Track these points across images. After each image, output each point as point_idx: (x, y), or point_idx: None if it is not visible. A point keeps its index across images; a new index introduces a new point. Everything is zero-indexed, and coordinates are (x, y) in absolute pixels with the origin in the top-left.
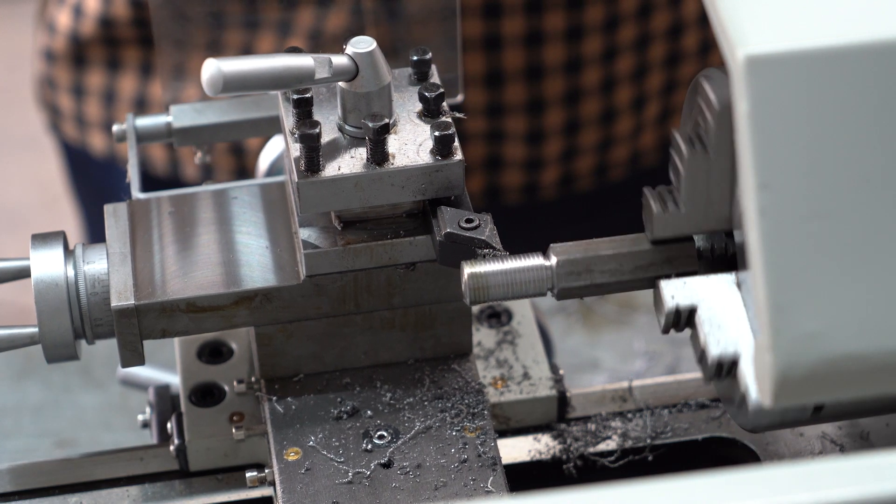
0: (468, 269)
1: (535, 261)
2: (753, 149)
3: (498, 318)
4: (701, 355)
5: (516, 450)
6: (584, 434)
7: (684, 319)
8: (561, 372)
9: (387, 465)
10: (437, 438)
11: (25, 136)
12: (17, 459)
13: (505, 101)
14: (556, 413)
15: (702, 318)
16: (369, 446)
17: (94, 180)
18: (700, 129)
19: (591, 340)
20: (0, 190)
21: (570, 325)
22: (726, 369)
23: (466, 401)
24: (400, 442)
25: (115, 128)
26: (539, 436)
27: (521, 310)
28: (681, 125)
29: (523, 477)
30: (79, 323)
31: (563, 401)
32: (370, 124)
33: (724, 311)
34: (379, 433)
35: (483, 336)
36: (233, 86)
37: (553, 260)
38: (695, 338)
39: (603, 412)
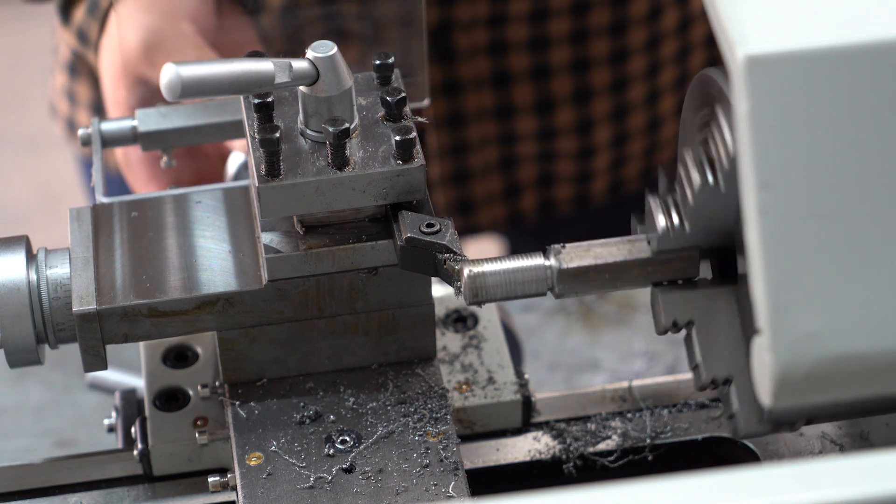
0: (468, 269)
1: (535, 261)
2: (753, 149)
3: (464, 322)
4: (695, 368)
5: (516, 449)
6: (584, 434)
7: (681, 328)
8: (526, 376)
9: (348, 470)
10: (400, 443)
11: (25, 136)
12: (17, 459)
13: (555, 124)
14: (521, 418)
15: (697, 335)
16: (331, 451)
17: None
18: (712, 155)
19: (591, 340)
20: (0, 190)
21: (570, 325)
22: (720, 385)
23: (429, 405)
24: (362, 447)
25: (80, 132)
26: (539, 435)
27: (487, 314)
28: (682, 128)
29: (523, 477)
30: (41, 328)
31: (527, 405)
32: (331, 129)
33: (719, 329)
34: (341, 438)
35: (448, 340)
36: (191, 90)
37: (553, 260)
38: (689, 349)
39: (603, 412)
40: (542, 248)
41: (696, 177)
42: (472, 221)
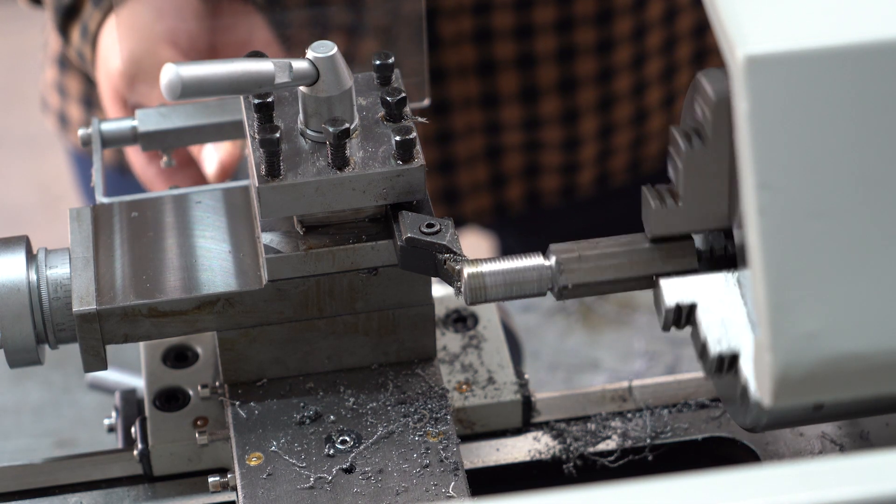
0: (468, 269)
1: (535, 261)
2: (753, 149)
3: (464, 322)
4: (702, 351)
5: (516, 450)
6: (584, 434)
7: (685, 317)
8: (526, 376)
9: (349, 470)
10: (400, 443)
11: (25, 136)
12: (17, 459)
13: (541, 113)
14: (521, 418)
15: (701, 314)
16: (331, 451)
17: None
18: (698, 124)
19: (591, 340)
20: (0, 190)
21: (570, 325)
22: (727, 365)
23: (429, 406)
24: (362, 447)
25: (80, 132)
26: (539, 435)
27: (487, 314)
28: (681, 124)
29: (523, 477)
30: (41, 328)
31: (527, 405)
32: (331, 129)
33: (723, 307)
34: (341, 438)
35: (448, 340)
36: (191, 90)
37: (553, 260)
38: (695, 334)
39: (603, 412)
40: (528, 242)
41: (681, 143)
42: (457, 211)
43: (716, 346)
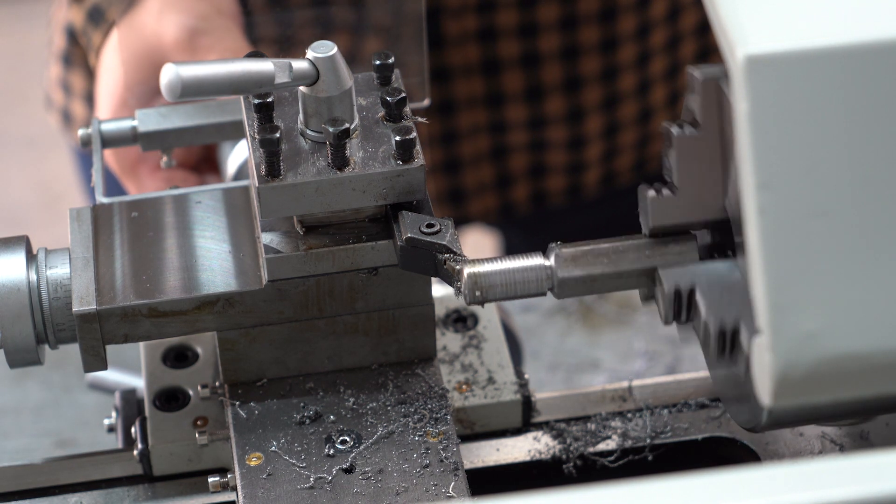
0: (468, 269)
1: (535, 260)
2: (753, 149)
3: (464, 322)
4: (704, 334)
5: (516, 449)
6: (584, 434)
7: (685, 304)
8: (526, 376)
9: (349, 471)
10: (400, 443)
11: (25, 136)
12: (17, 459)
13: (546, 113)
14: (521, 418)
15: (702, 294)
16: (331, 451)
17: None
18: (689, 113)
19: (591, 340)
20: (0, 190)
21: (570, 325)
22: (729, 343)
23: (429, 406)
24: (362, 447)
25: (80, 132)
26: (539, 435)
27: (487, 314)
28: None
29: (523, 477)
30: (41, 328)
31: (527, 405)
32: (331, 129)
33: (723, 285)
34: (341, 438)
35: (448, 340)
36: (191, 91)
37: (553, 259)
38: (697, 321)
39: (603, 412)
40: (534, 242)
41: (674, 131)
42: (463, 211)
43: (716, 323)
